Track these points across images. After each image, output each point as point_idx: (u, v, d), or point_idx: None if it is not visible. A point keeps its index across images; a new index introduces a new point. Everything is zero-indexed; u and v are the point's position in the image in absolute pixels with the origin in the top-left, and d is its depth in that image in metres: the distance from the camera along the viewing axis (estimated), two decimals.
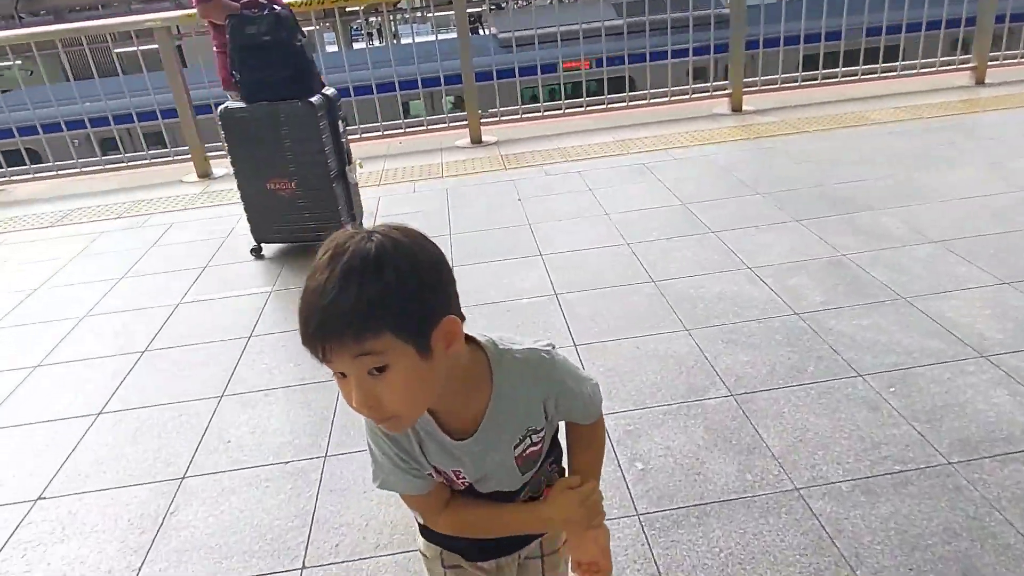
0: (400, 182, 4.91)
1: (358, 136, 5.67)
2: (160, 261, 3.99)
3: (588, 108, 5.87)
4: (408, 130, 5.90)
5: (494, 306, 3.02)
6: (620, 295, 3.04)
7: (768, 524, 1.80)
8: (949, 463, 1.95)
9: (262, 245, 3.91)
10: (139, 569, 1.88)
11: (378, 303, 0.79)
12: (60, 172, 5.74)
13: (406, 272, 0.81)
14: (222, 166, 5.62)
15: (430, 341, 0.83)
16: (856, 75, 5.91)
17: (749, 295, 2.93)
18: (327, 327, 0.80)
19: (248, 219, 3.86)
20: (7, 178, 5.77)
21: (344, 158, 3.83)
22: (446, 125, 5.84)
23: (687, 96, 5.86)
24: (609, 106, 5.87)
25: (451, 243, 3.80)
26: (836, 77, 5.92)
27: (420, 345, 0.82)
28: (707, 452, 2.07)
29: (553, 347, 1.05)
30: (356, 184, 4.01)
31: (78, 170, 5.73)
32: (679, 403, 2.30)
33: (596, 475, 1.11)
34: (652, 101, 5.87)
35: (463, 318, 0.89)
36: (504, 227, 3.92)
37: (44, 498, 2.19)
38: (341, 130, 3.81)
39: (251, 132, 3.64)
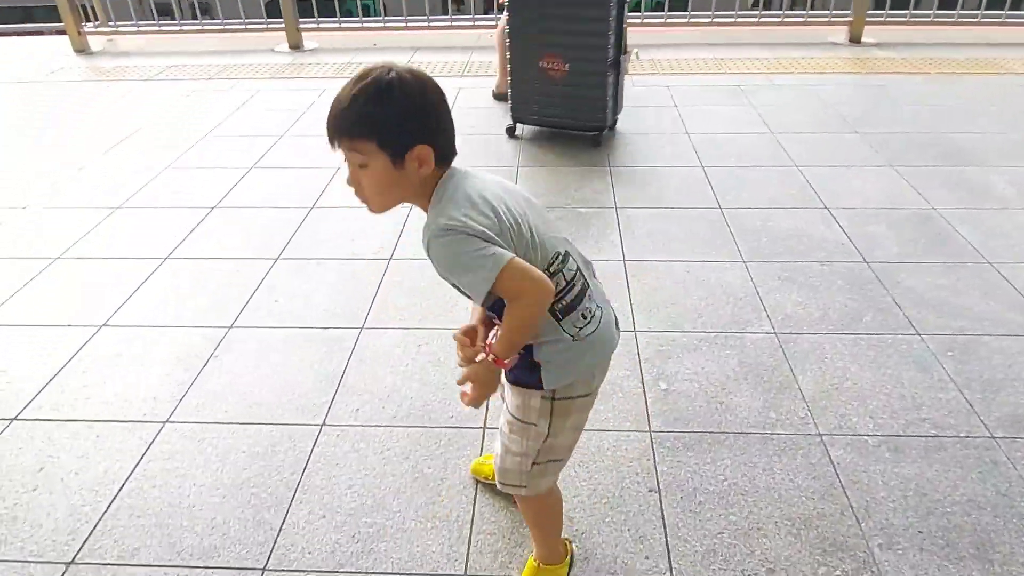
0: (483, 75, 4.80)
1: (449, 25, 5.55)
2: (242, 125, 4.09)
3: (691, 21, 5.50)
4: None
5: (552, 211, 2.98)
6: (683, 217, 2.93)
7: (781, 463, 1.77)
8: (992, 437, 1.84)
9: (517, 125, 3.82)
10: (180, 400, 2.03)
11: (373, 120, 1.08)
12: (163, 28, 5.89)
13: (401, 104, 1.08)
14: (313, 39, 5.64)
15: (404, 158, 1.09)
16: (1000, 18, 5.28)
17: (820, 235, 2.77)
18: (336, 127, 1.10)
19: (511, 96, 3.76)
20: (114, 29, 5.98)
21: (622, 45, 3.59)
22: None
23: (802, 20, 5.41)
24: (714, 21, 5.49)
25: (521, 145, 3.73)
26: (975, 18, 5.31)
27: (394, 158, 1.09)
28: (735, 384, 2.02)
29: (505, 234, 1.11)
30: (625, 76, 3.72)
31: (178, 28, 5.86)
32: (718, 332, 2.24)
33: (500, 350, 1.17)
34: (762, 20, 5.45)
35: (449, 153, 1.15)
36: (578, 135, 3.80)
37: (108, 325, 2.37)
38: (624, 15, 3.56)
39: (538, 4, 3.45)
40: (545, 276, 1.11)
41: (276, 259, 2.72)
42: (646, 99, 4.27)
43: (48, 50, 5.72)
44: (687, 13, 5.48)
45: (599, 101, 3.56)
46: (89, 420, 1.97)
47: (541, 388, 1.21)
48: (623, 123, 3.89)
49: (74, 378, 2.13)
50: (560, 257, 1.18)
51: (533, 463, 1.30)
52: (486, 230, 1.08)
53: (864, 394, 1.99)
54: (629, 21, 3.62)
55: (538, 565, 1.48)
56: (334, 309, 2.41)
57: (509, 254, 1.07)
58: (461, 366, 1.24)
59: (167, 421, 1.96)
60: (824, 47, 5.16)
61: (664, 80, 4.56)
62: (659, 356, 2.14)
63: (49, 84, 4.96)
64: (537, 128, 3.88)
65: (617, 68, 3.58)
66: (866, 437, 1.85)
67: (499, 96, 4.29)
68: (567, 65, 3.51)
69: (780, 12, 5.44)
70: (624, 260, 2.64)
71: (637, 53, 4.27)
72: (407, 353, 2.18)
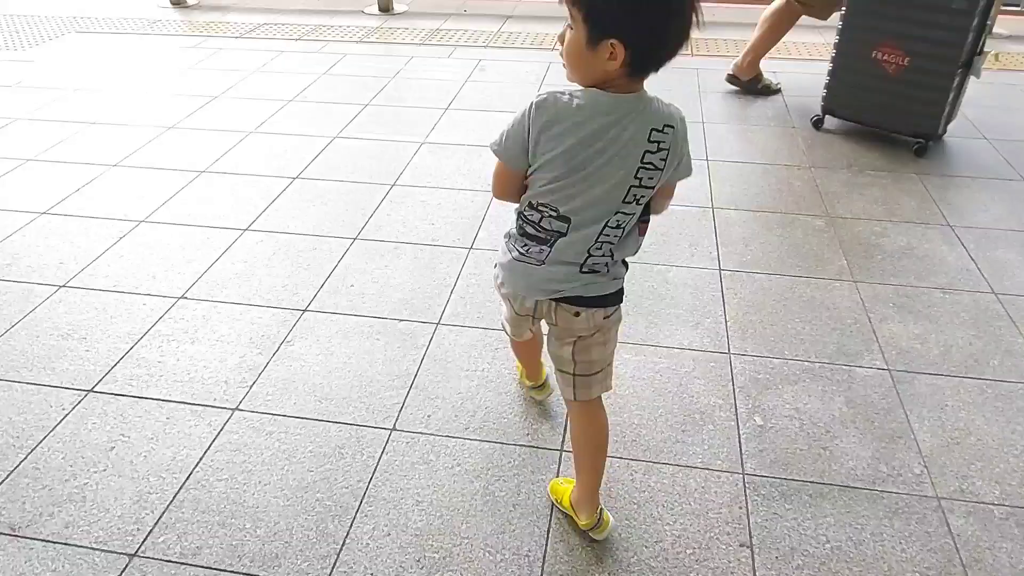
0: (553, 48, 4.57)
1: None
2: (328, 90, 4.02)
3: None
4: None
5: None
6: (785, 223, 2.70)
7: (892, 527, 1.58)
8: None
9: (827, 117, 3.42)
10: (250, 387, 1.99)
11: None
12: None
13: None
14: (403, 1, 5.51)
15: (597, 41, 1.10)
16: None
17: (941, 257, 2.50)
18: None
19: (827, 84, 3.34)
20: None
21: (979, 43, 3.05)
22: None
23: None
24: None
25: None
26: None
27: (589, 35, 1.11)
28: (841, 427, 1.83)
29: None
30: (973, 80, 3.20)
31: None
32: (823, 363, 2.04)
33: None
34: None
35: (648, 66, 1.14)
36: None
37: (186, 298, 2.35)
38: (996, 5, 3.04)
39: None
40: (495, 189, 1.34)
41: (354, 239, 2.64)
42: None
43: (146, 0, 5.78)
44: None
45: (936, 105, 3.07)
46: (161, 399, 1.95)
47: None
48: (728, 108, 3.62)
49: (150, 352, 2.12)
50: (553, 212, 1.25)
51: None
52: (524, 132, 1.20)
53: (989, 453, 1.76)
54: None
55: (521, 373, 1.92)
56: (410, 300, 2.31)
57: (505, 160, 1.26)
58: None
59: (236, 408, 1.92)
60: None
61: (770, 65, 4.21)
62: (755, 385, 1.96)
63: (144, 37, 5.01)
64: (846, 123, 3.44)
65: (967, 70, 3.06)
66: (992, 506, 1.63)
67: (738, 81, 3.90)
68: (907, 59, 3.05)
69: None
70: (720, 270, 2.44)
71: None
72: (483, 357, 2.07)
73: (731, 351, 2.08)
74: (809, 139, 3.36)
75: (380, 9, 5.42)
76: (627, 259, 1.37)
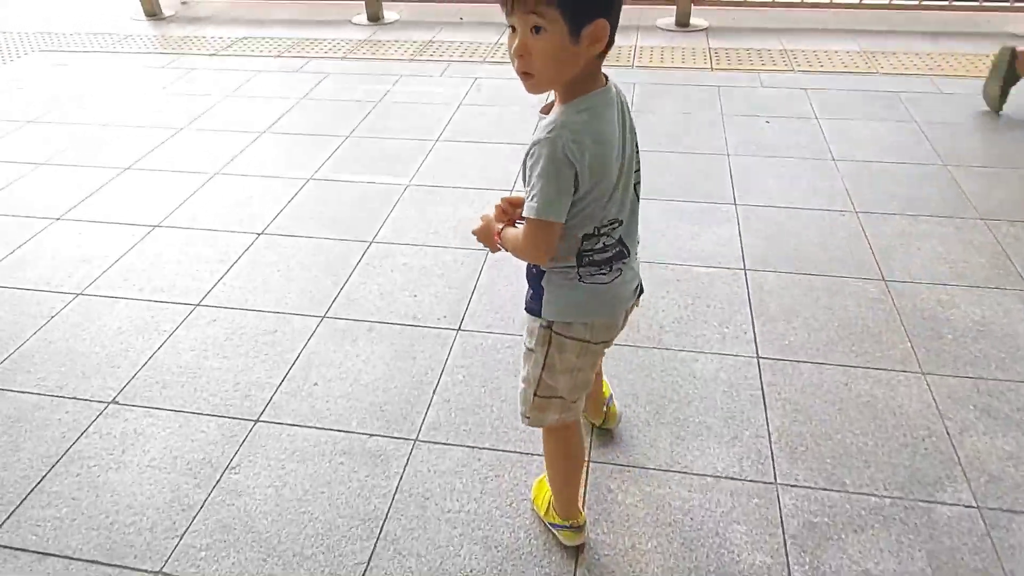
0: None
1: None
2: (305, 119, 3.62)
3: (835, 2, 4.63)
4: None
5: (660, 268, 2.37)
6: (834, 290, 2.27)
7: None
8: None
9: None
10: (180, 537, 1.60)
11: None
12: None
13: None
14: (394, 10, 5.10)
15: (581, 31, 1.06)
16: None
17: None
18: None
19: None
20: None
21: None
22: None
23: (975, 2, 4.44)
24: (863, 2, 4.60)
25: None
26: None
27: (573, 28, 1.06)
28: None
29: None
30: None
31: None
32: (895, 498, 1.62)
33: (505, 239, 1.30)
34: (923, 4, 4.52)
35: (612, 40, 1.11)
36: (692, 152, 3.13)
37: (117, 403, 1.97)
38: None
39: None
40: (547, 253, 1.20)
41: (322, 317, 2.25)
42: (778, 104, 3.53)
43: (119, 12, 5.39)
44: None
45: None
46: (68, 557, 1.57)
47: (541, 316, 1.31)
48: (755, 137, 3.19)
49: (64, 484, 1.74)
50: (613, 224, 1.23)
51: (534, 393, 1.39)
52: (572, 177, 1.12)
53: None
54: None
55: (549, 505, 1.56)
56: (383, 404, 1.92)
57: (559, 216, 1.14)
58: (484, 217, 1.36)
59: (159, 573, 1.53)
60: (1002, 38, 4.20)
61: (801, 79, 3.78)
62: (811, 533, 1.56)
63: (114, 56, 4.62)
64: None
65: None
66: None
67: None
68: None
69: None
70: (758, 357, 2.02)
71: None
72: (469, 490, 1.68)
73: (778, 479, 1.67)
74: (853, 174, 2.93)
75: (369, 18, 5.01)
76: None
